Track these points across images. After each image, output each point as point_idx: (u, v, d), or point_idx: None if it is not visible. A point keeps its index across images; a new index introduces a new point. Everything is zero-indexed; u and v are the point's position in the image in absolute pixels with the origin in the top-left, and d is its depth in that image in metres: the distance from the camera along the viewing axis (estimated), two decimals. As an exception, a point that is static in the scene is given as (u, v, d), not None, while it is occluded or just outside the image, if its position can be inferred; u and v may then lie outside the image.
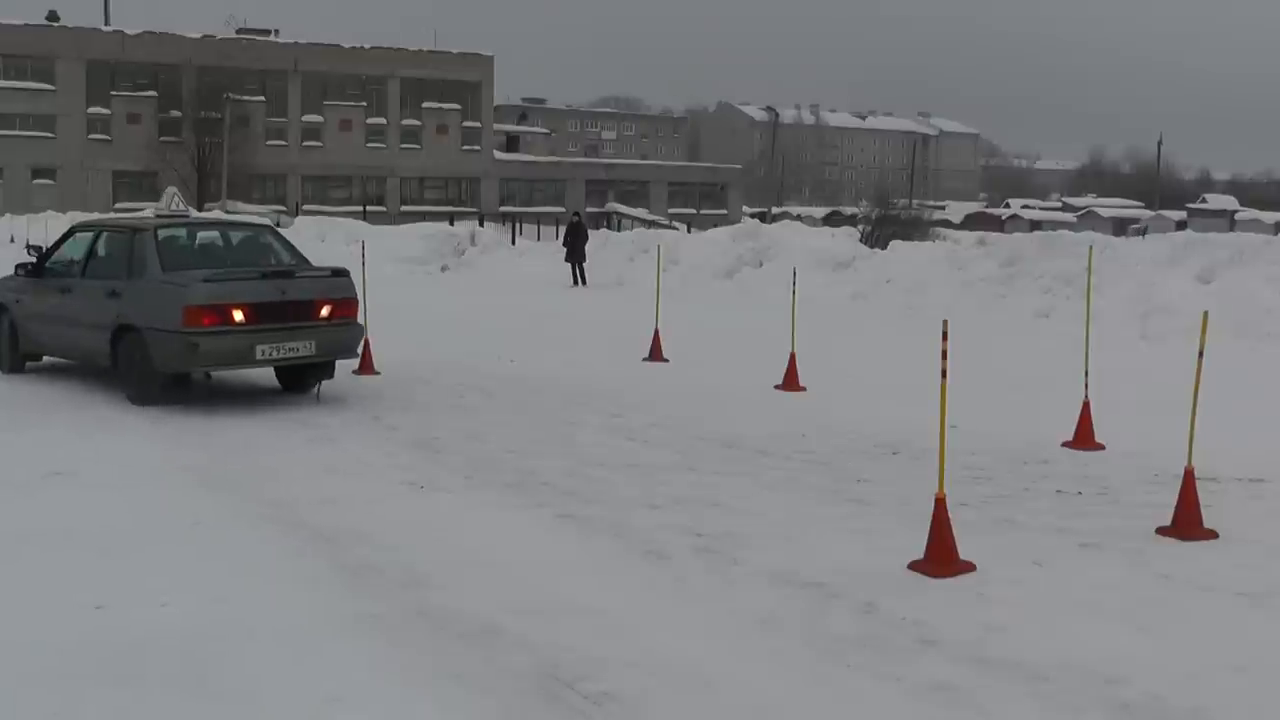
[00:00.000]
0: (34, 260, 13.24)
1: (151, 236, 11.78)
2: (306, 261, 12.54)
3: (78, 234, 13.07)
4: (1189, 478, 7.26)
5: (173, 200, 11.32)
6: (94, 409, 11.27)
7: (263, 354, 11.27)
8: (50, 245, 13.12)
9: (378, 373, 13.61)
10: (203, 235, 12.82)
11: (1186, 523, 7.24)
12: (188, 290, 11.00)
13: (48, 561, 6.60)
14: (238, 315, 11.09)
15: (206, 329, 10.96)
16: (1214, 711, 4.79)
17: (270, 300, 11.29)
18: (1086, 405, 9.93)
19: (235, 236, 13.05)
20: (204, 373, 11.93)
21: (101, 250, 12.47)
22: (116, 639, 5.44)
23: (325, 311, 11.69)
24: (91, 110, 74.25)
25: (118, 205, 67.95)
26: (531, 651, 5.34)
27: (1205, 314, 7.48)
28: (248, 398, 12.08)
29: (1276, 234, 32.70)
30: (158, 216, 12.63)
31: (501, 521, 7.58)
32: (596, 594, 6.15)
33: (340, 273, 12.01)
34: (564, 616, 5.79)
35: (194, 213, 12.80)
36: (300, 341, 11.44)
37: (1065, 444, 9.86)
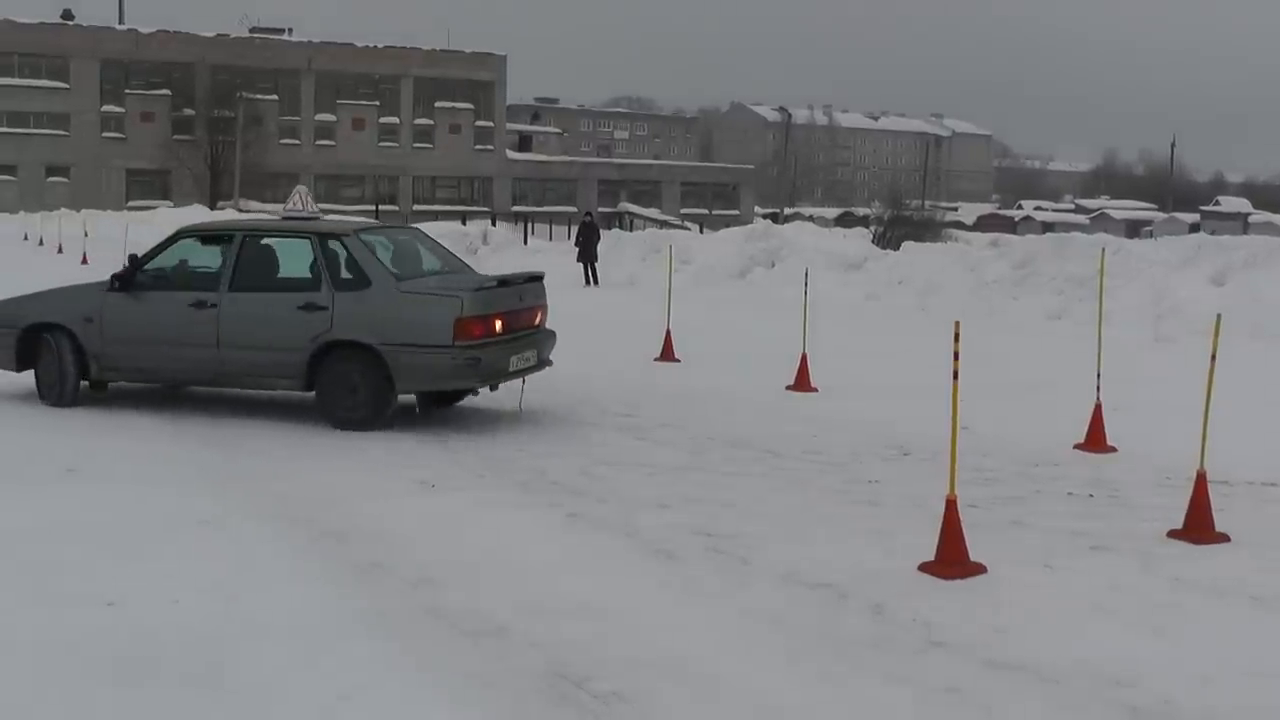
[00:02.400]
0: (126, 272, 11.13)
1: (359, 242, 10.61)
2: (466, 264, 11.87)
3: (185, 240, 11.33)
4: (1201, 481, 7.25)
5: (302, 200, 10.94)
6: (109, 407, 11.29)
7: (513, 366, 10.57)
8: (145, 255, 11.21)
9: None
10: (384, 239, 11.45)
11: (1198, 526, 7.23)
12: (460, 301, 10.08)
13: (60, 558, 6.63)
14: (498, 325, 10.38)
15: (479, 341, 10.13)
16: (1225, 715, 4.79)
17: (515, 309, 10.72)
18: (1098, 407, 9.91)
19: (401, 238, 11.82)
20: (472, 390, 10.88)
21: (261, 259, 10.96)
22: (128, 636, 5.46)
23: (539, 318, 11.23)
24: (105, 108, 74.54)
25: (131, 203, 68.20)
26: (541, 651, 5.34)
27: (1218, 316, 7.46)
28: (256, 396, 12.08)
29: (1290, 237, 32.58)
30: (284, 218, 11.50)
31: (512, 520, 7.59)
32: (607, 594, 6.15)
33: (539, 277, 11.40)
34: (574, 616, 5.79)
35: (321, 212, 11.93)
36: (530, 350, 10.85)
37: (1077, 446, 9.85)
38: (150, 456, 9.29)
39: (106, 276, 11.40)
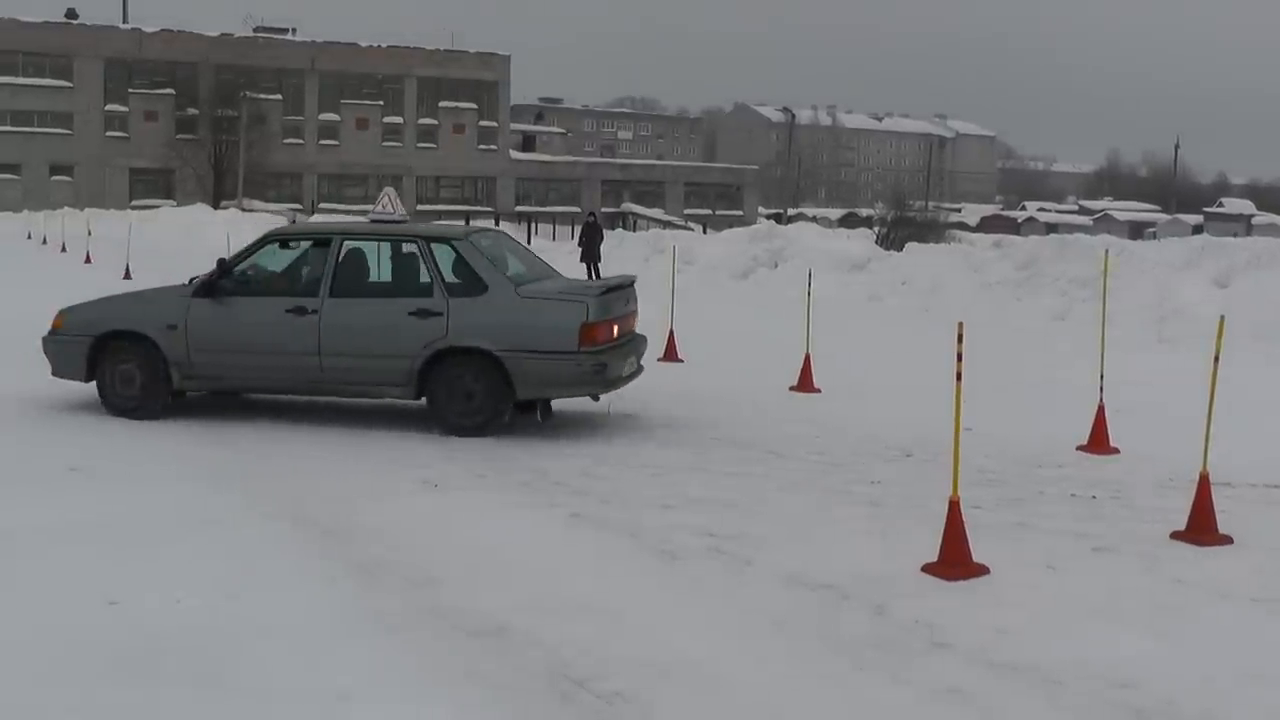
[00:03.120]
0: (213, 276, 10.65)
1: (472, 246, 10.36)
2: (552, 266, 11.71)
3: (275, 244, 10.92)
4: (1204, 483, 7.24)
5: (391, 202, 10.67)
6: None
7: (625, 372, 10.44)
8: (232, 259, 10.77)
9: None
10: (494, 241, 11.18)
11: (1201, 528, 7.22)
12: (585, 306, 9.95)
13: (62, 556, 6.63)
14: (615, 331, 10.30)
15: (602, 347, 10.02)
16: (1226, 717, 4.78)
17: (623, 313, 10.60)
18: (1101, 409, 9.90)
19: (487, 241, 11.16)
20: (594, 395, 10.54)
21: (362, 263, 10.70)
22: (129, 635, 5.46)
23: (634, 323, 11.07)
24: (109, 108, 74.60)
25: (134, 203, 68.26)
26: (543, 650, 5.34)
27: (1222, 318, 7.46)
28: (258, 397, 12.08)
29: (1294, 238, 32.56)
30: (373, 220, 11.05)
31: (515, 520, 7.60)
32: (609, 594, 6.15)
33: (634, 281, 11.21)
34: (576, 616, 5.79)
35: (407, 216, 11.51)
36: (633, 356, 10.66)
37: (1080, 448, 9.84)
38: (152, 455, 9.30)
39: (186, 281, 11.05)
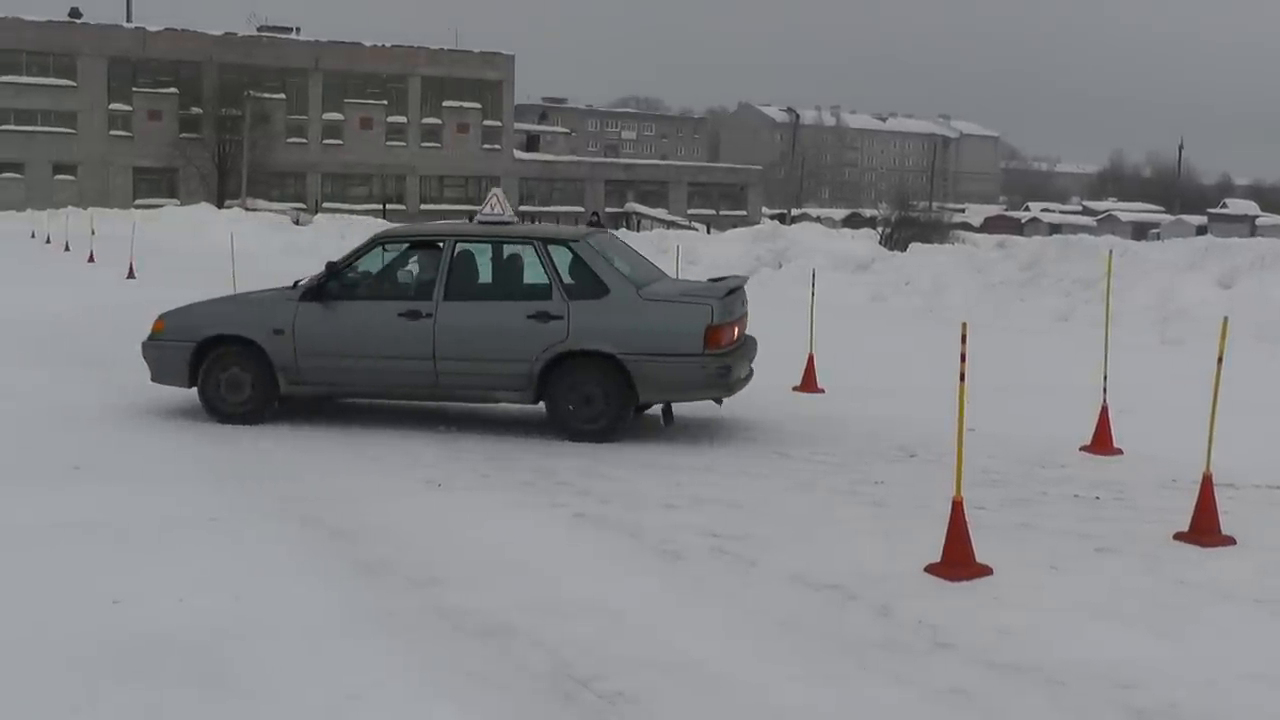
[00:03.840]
0: (321, 280, 10.48)
1: (590, 247, 10.22)
2: (659, 268, 11.50)
3: (383, 247, 10.79)
4: (1207, 483, 7.24)
5: (500, 203, 10.50)
6: (115, 404, 11.31)
7: (744, 375, 10.25)
8: (340, 262, 10.56)
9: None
10: (605, 243, 10.93)
11: (1204, 529, 7.22)
12: (710, 308, 9.78)
13: (66, 555, 6.64)
14: (735, 333, 10.13)
15: (726, 350, 9.86)
16: (1229, 718, 4.79)
17: (741, 316, 10.45)
18: (1104, 409, 9.91)
19: (597, 242, 10.88)
20: (716, 399, 10.30)
21: (476, 266, 10.53)
22: (133, 634, 5.47)
23: (746, 326, 10.81)
24: (113, 107, 74.67)
25: (138, 202, 68.29)
26: (547, 650, 5.35)
27: (1225, 319, 7.46)
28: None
29: (1298, 239, 32.53)
30: (479, 221, 10.89)
31: (518, 520, 7.60)
32: (612, 594, 6.16)
33: (745, 282, 11.01)
34: (580, 616, 5.80)
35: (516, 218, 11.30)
36: (747, 360, 10.46)
37: (1083, 448, 9.84)
38: (155, 454, 9.31)
39: (292, 284, 10.85)
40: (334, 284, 10.42)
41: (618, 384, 9.85)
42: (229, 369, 10.53)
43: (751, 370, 10.64)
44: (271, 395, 10.51)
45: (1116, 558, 6.90)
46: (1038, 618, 5.88)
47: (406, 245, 10.88)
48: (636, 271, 10.55)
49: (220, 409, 10.56)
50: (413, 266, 10.78)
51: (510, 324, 9.97)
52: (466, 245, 10.51)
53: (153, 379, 11.03)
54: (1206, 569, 6.69)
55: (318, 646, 5.38)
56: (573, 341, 9.85)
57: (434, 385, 10.28)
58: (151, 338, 10.95)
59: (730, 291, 10.21)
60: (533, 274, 10.28)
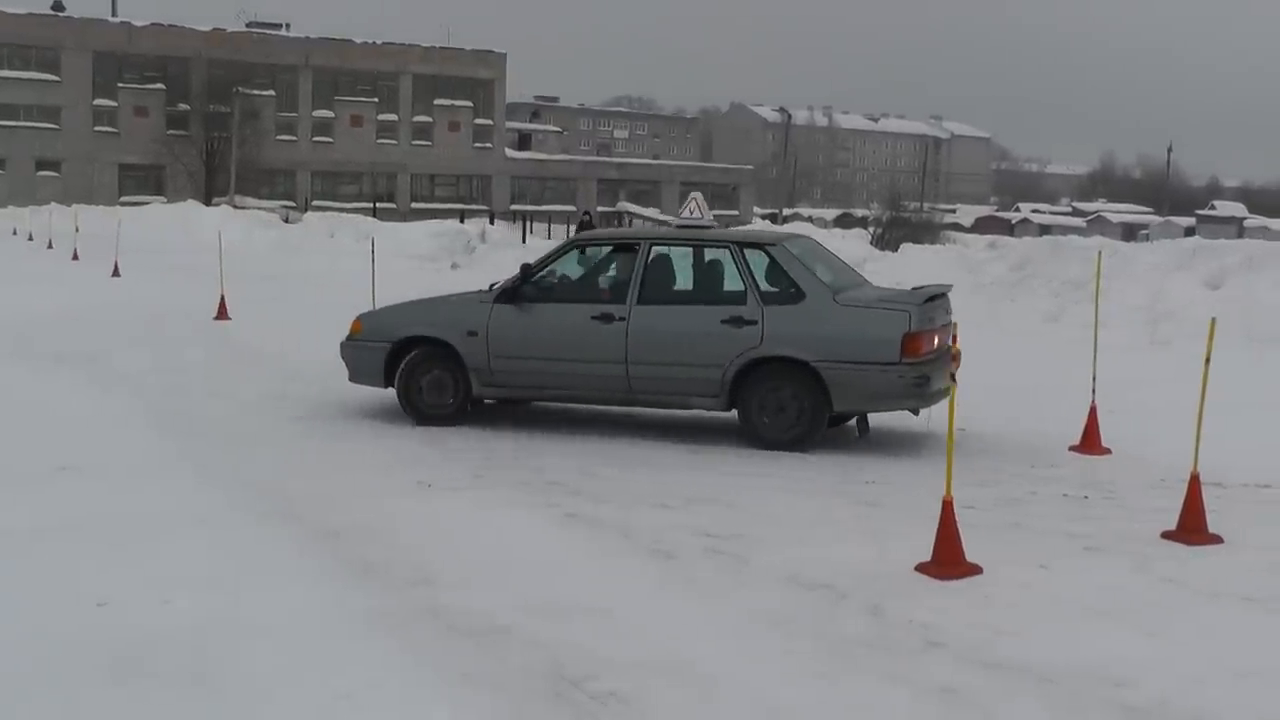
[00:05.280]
0: (515, 282, 10.45)
1: (786, 251, 9.98)
2: (861, 274, 11.17)
3: (578, 250, 10.88)
4: (1195, 483, 7.28)
5: (699, 207, 10.33)
6: (101, 403, 11.29)
7: (944, 385, 9.49)
8: (535, 265, 10.55)
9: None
10: (804, 247, 10.64)
11: (1192, 527, 7.26)
12: (908, 315, 9.40)
13: (51, 557, 6.61)
14: (935, 342, 9.71)
15: (924, 359, 9.44)
16: (1218, 716, 4.81)
17: (943, 324, 9.98)
18: (1094, 409, 9.94)
19: (798, 248, 10.61)
20: (913, 410, 9.88)
21: (670, 270, 10.40)
22: (119, 636, 5.45)
23: (950, 335, 10.26)
24: (97, 102, 74.24)
25: (124, 199, 68.05)
26: (539, 650, 5.36)
27: (1213, 320, 7.49)
28: (252, 393, 12.09)
29: (1286, 240, 32.64)
30: (679, 226, 10.78)
31: (511, 520, 7.60)
32: (605, 593, 6.17)
33: (949, 290, 10.56)
34: (572, 616, 5.81)
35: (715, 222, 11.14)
36: (947, 369, 9.77)
37: (1072, 448, 9.87)
38: (143, 453, 9.29)
39: (487, 286, 10.88)
40: (528, 286, 10.40)
41: (812, 392, 9.57)
42: (431, 371, 10.57)
43: (953, 379, 10.34)
44: (463, 397, 10.54)
45: (1105, 557, 6.93)
46: (1028, 616, 5.90)
47: (602, 248, 10.92)
48: (836, 277, 10.31)
49: (420, 410, 10.62)
50: (607, 270, 10.71)
51: (703, 329, 9.82)
52: (661, 249, 10.42)
53: (350, 379, 11.13)
54: (1195, 567, 6.72)
55: (309, 647, 5.37)
56: (766, 347, 9.64)
57: (626, 390, 10.16)
58: (349, 338, 11.04)
59: (930, 299, 9.83)
60: (728, 278, 10.12)
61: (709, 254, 10.40)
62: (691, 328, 9.88)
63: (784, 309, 9.70)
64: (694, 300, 10.22)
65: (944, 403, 9.54)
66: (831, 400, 9.57)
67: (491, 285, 10.79)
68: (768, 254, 9.97)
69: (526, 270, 10.49)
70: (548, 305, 10.33)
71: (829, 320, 9.58)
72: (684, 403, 10.16)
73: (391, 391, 10.83)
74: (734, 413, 10.00)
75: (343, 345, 11.09)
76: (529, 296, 10.37)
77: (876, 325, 9.45)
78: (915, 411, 9.96)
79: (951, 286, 10.73)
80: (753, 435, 9.80)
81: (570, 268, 10.73)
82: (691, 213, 10.78)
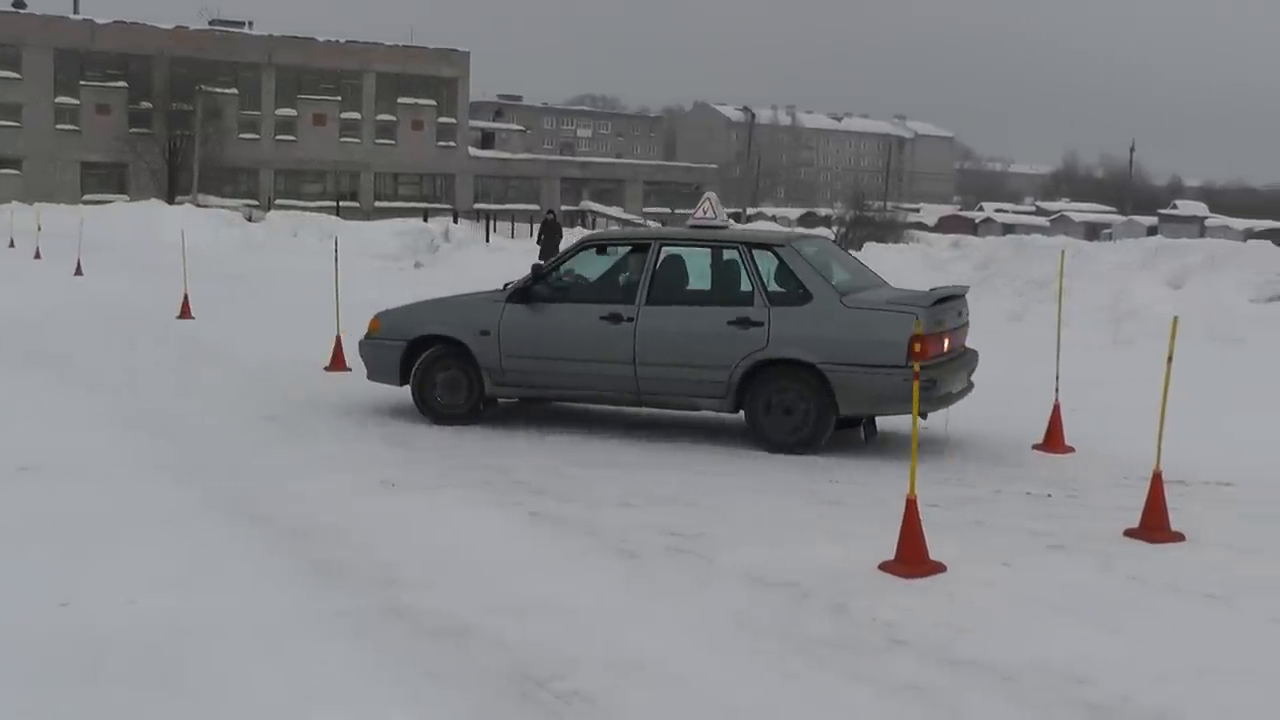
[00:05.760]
0: (527, 282, 10.45)
1: (794, 252, 9.83)
2: (879, 276, 11.09)
3: (591, 250, 10.77)
4: (1157, 480, 7.33)
5: (712, 207, 10.18)
6: (63, 403, 11.19)
7: (956, 388, 9.73)
8: (547, 265, 10.61)
9: (349, 369, 13.56)
10: (819, 248, 10.57)
11: (1154, 525, 7.31)
12: (914, 317, 9.19)
13: (13, 557, 6.54)
14: (945, 344, 9.61)
15: (933, 361, 9.27)
16: (1180, 712, 4.84)
17: (956, 326, 9.90)
18: (1057, 408, 9.99)
19: (813, 249, 10.55)
20: (922, 413, 9.40)
21: (680, 270, 10.35)
22: (83, 636, 5.40)
23: (966, 336, 10.37)
24: (59, 100, 73.50)
25: (86, 197, 67.47)
26: (504, 650, 5.34)
27: (1175, 319, 7.55)
28: (216, 392, 12.02)
29: (1246, 240, 32.97)
30: (691, 225, 10.69)
31: (475, 520, 7.58)
32: (569, 593, 6.15)
33: (966, 292, 10.47)
34: (536, 615, 5.79)
35: (732, 223, 10.95)
36: (964, 372, 9.97)
37: (1036, 446, 9.92)
38: (104, 452, 9.19)
39: (501, 286, 10.82)
40: (540, 286, 10.37)
41: (818, 395, 9.45)
42: (448, 369, 10.56)
43: (971, 384, 10.24)
44: (476, 396, 10.51)
45: (1069, 554, 6.97)
46: (991, 614, 5.93)
47: (612, 248, 10.84)
48: (850, 279, 10.22)
49: (435, 409, 10.60)
50: (618, 270, 10.63)
51: (709, 330, 9.73)
52: (671, 249, 10.35)
53: (368, 377, 11.10)
54: (1157, 565, 6.77)
55: (272, 647, 5.34)
56: (772, 349, 9.54)
57: (635, 391, 10.10)
58: (367, 336, 11.02)
59: (941, 300, 9.69)
60: (736, 279, 10.03)
61: (718, 255, 10.31)
62: (698, 329, 9.80)
63: (790, 310, 9.60)
64: (703, 301, 10.11)
65: (951, 405, 9.59)
66: (838, 403, 9.46)
67: (506, 285, 10.76)
68: (776, 255, 9.88)
69: (538, 270, 10.51)
70: (558, 305, 10.30)
71: (835, 322, 9.47)
72: (691, 404, 10.10)
73: (358, 390, 10.83)
74: (741, 415, 9.91)
75: (361, 343, 11.09)
76: (540, 296, 10.34)
77: (883, 327, 9.30)
78: (924, 416, 9.65)
79: (968, 288, 10.56)
80: (759, 438, 9.70)
81: (581, 268, 10.68)
82: (705, 213, 10.74)
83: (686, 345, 9.79)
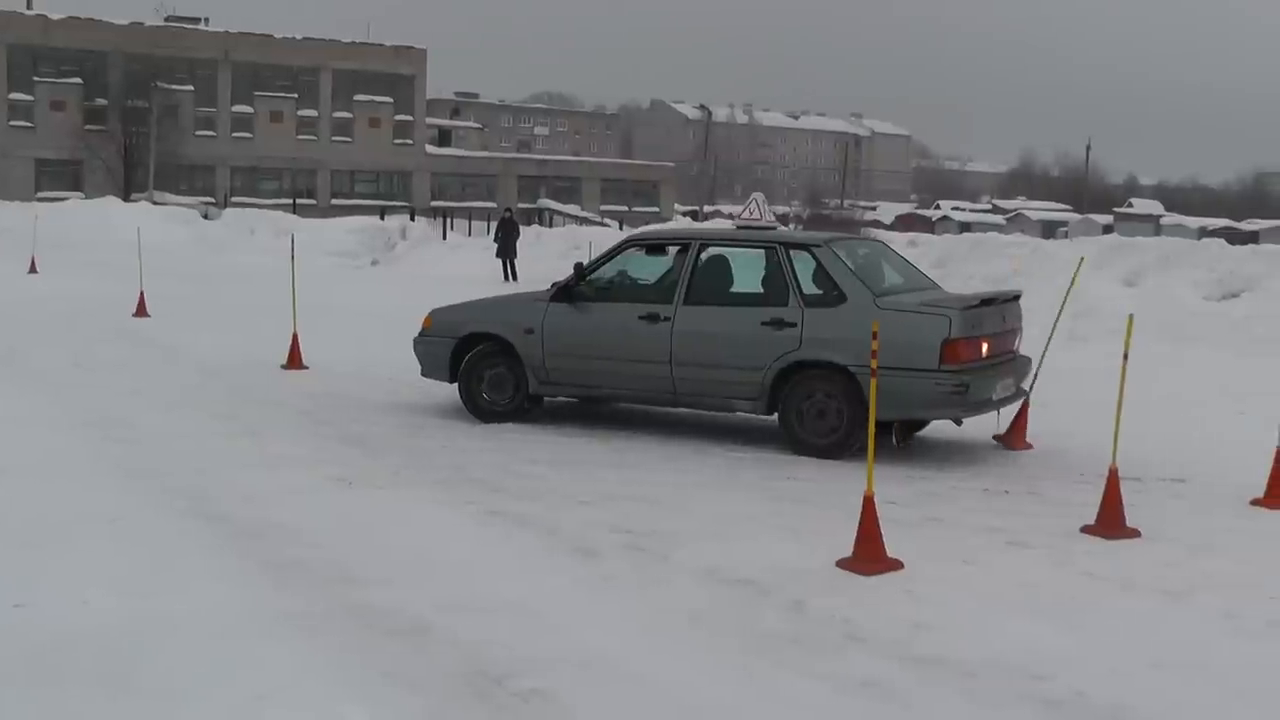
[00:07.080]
0: (570, 281, 10.52)
1: (831, 253, 9.68)
2: (933, 280, 10.91)
3: (634, 249, 10.69)
4: (1113, 477, 7.38)
5: (759, 208, 10.11)
6: (17, 401, 11.06)
7: (997, 394, 9.46)
8: (590, 264, 10.63)
9: (306, 368, 13.49)
10: (854, 249, 10.38)
11: (1110, 522, 7.36)
12: (947, 320, 9.03)
13: (-34, 557, 6.45)
14: (984, 349, 9.34)
15: (968, 366, 9.11)
16: (1134, 707, 4.87)
17: (999, 331, 9.65)
18: (1025, 404, 10.05)
19: (864, 250, 10.63)
20: (956, 419, 9.63)
21: (718, 270, 10.27)
22: (36, 637, 5.32)
23: (1017, 342, 10.21)
24: (13, 96, 72.75)
25: (40, 194, 66.73)
26: (460, 649, 5.31)
27: (1130, 317, 7.60)
28: (172, 391, 11.92)
29: (1200, 239, 33.29)
30: (738, 225, 10.56)
31: (431, 518, 7.54)
32: (526, 591, 6.13)
33: (1019, 297, 10.27)
34: (493, 613, 5.77)
35: (779, 224, 10.90)
36: (1010, 378, 9.72)
37: (996, 437, 9.99)
38: (60, 452, 9.08)
39: (549, 286, 10.84)
40: (582, 286, 10.42)
41: (850, 397, 9.24)
42: (495, 367, 10.67)
43: (1019, 390, 10.03)
44: (521, 395, 10.61)
45: (1026, 551, 7.01)
46: (949, 611, 5.95)
47: (654, 248, 10.76)
48: (900, 281, 10.12)
49: (481, 406, 10.75)
50: (658, 269, 10.57)
51: (743, 330, 9.63)
52: (711, 249, 10.28)
53: (422, 374, 11.25)
54: (1112, 561, 6.81)
55: (225, 647, 5.28)
56: (805, 351, 9.41)
57: (672, 392, 10.05)
58: (421, 334, 11.19)
59: (981, 303, 9.57)
60: (773, 280, 9.89)
61: (756, 255, 10.20)
62: (732, 329, 9.71)
63: (824, 311, 9.47)
64: (739, 302, 10.01)
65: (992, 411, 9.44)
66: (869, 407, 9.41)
67: (554, 284, 10.75)
68: (813, 255, 9.74)
69: (580, 269, 10.52)
70: (598, 304, 10.33)
71: (868, 324, 9.11)
72: (727, 405, 10.01)
73: (315, 389, 10.75)
74: (775, 417, 9.80)
75: (415, 340, 11.23)
76: (582, 295, 10.39)
77: (915, 330, 9.10)
78: (958, 421, 9.72)
79: (1020, 294, 10.39)
80: (792, 440, 9.58)
81: (622, 267, 10.65)
82: (752, 213, 10.69)
83: (720, 346, 9.72)
